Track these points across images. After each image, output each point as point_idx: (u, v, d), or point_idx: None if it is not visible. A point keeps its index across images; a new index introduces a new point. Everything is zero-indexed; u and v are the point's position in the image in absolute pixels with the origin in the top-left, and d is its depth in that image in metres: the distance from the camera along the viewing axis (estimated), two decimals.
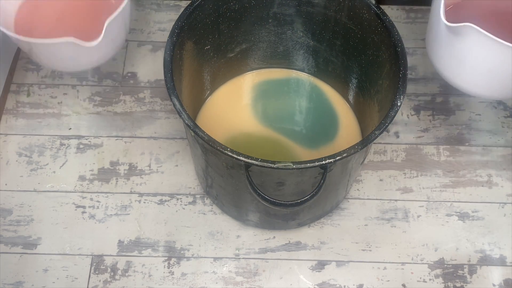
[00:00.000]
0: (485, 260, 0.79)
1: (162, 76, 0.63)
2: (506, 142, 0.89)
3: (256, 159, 0.58)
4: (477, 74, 0.69)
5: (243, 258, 0.79)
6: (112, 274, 0.77)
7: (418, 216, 0.82)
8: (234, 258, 0.79)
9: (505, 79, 0.68)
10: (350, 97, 0.85)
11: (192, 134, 0.61)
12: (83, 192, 0.83)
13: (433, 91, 0.93)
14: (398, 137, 0.89)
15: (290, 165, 0.58)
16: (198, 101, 0.84)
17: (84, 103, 0.91)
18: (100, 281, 0.77)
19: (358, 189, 0.84)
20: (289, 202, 0.62)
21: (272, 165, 0.58)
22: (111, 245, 0.79)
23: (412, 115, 0.91)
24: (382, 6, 0.69)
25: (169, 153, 0.87)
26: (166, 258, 0.79)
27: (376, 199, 0.84)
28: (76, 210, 0.82)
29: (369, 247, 0.80)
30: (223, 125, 0.83)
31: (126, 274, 0.77)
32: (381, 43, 0.69)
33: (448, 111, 0.91)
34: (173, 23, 0.68)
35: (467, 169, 0.86)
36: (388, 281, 0.77)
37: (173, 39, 0.66)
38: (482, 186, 0.85)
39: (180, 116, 0.61)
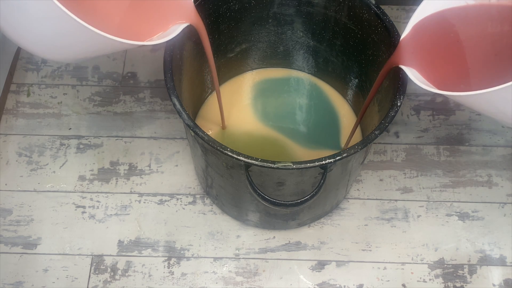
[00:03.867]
0: (485, 260, 0.79)
1: (162, 76, 0.63)
2: (506, 142, 0.89)
3: (256, 159, 0.58)
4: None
5: (243, 258, 0.79)
6: (112, 274, 0.77)
7: (418, 216, 0.82)
8: (234, 258, 0.79)
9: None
10: (350, 97, 0.85)
11: (192, 134, 0.61)
12: (83, 192, 0.83)
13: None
14: (398, 137, 0.89)
15: (290, 165, 0.58)
16: (198, 101, 0.84)
17: (84, 103, 0.91)
18: (100, 281, 0.77)
19: (358, 189, 0.84)
20: (289, 202, 0.62)
21: (272, 165, 0.58)
22: (111, 245, 0.79)
23: (412, 115, 0.91)
24: (382, 6, 0.69)
25: (169, 153, 0.87)
26: (166, 258, 0.79)
27: (376, 199, 0.83)
28: (76, 210, 0.82)
29: (369, 247, 0.80)
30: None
31: (126, 274, 0.77)
32: (381, 43, 0.69)
33: (448, 111, 0.91)
34: None
35: (467, 169, 0.86)
36: (388, 281, 0.77)
37: (173, 39, 0.66)
38: (482, 186, 0.85)
39: (180, 116, 0.61)
